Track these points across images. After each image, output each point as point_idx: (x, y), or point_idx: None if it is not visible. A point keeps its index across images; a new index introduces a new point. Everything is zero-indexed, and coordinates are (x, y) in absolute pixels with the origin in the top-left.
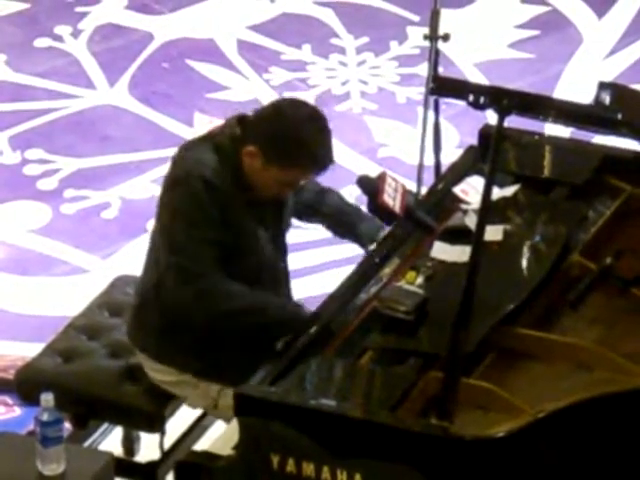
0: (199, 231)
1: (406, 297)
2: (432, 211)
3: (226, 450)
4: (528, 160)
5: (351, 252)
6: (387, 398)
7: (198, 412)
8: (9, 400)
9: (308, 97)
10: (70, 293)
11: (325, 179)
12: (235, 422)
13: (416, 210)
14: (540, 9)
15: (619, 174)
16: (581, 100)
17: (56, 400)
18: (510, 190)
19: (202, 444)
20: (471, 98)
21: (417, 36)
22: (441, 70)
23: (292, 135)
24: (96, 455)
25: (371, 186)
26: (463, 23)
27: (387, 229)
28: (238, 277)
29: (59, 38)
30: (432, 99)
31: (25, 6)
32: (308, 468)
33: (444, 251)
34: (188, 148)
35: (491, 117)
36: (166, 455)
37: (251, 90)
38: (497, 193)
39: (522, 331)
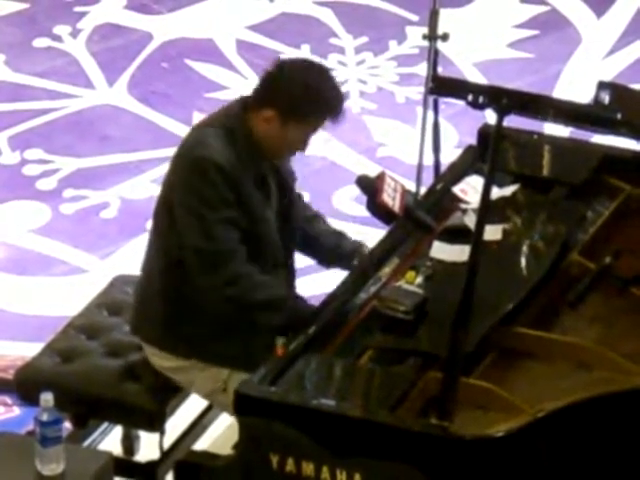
0: (218, 214)
1: (405, 297)
2: (431, 211)
3: (226, 450)
4: (527, 160)
5: None
6: (387, 398)
7: (198, 412)
8: (8, 400)
9: None
10: (69, 293)
11: (325, 179)
12: (235, 422)
13: (415, 210)
14: (539, 9)
15: (618, 174)
16: (580, 100)
17: (56, 400)
18: (509, 190)
19: (202, 444)
20: (470, 98)
21: (416, 36)
22: (440, 70)
23: (303, 86)
24: (95, 455)
25: (370, 186)
26: (462, 23)
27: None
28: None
29: (58, 38)
30: (431, 99)
31: (24, 6)
32: (308, 468)
33: (443, 251)
34: (197, 132)
35: (490, 117)
36: (166, 455)
37: (250, 90)
38: (496, 193)
39: (521, 330)
